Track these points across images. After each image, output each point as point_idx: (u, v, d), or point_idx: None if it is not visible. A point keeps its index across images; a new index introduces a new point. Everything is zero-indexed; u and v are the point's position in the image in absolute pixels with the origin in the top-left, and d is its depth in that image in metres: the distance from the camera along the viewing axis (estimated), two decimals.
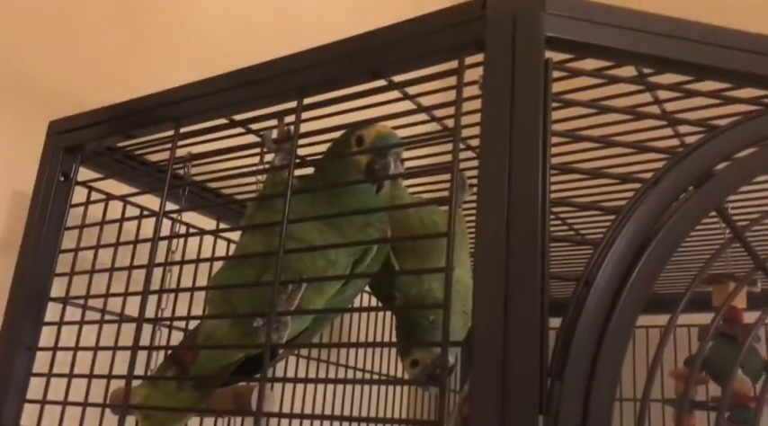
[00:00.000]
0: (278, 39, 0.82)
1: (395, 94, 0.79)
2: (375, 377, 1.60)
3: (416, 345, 1.01)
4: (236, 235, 1.29)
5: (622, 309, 0.58)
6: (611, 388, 0.57)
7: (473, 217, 0.62)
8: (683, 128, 0.76)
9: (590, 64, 0.68)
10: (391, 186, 0.93)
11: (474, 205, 1.01)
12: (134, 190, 1.06)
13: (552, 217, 0.61)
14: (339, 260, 0.79)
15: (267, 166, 0.89)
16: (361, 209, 0.75)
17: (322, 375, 1.53)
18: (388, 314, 1.67)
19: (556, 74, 0.64)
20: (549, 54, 0.63)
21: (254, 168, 0.87)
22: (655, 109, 0.79)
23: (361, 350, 1.64)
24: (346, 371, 1.57)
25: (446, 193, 1.08)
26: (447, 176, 0.94)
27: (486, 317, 0.58)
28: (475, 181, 0.67)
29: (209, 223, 1.26)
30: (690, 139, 0.77)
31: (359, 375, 1.61)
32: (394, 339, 1.26)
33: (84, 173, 1.05)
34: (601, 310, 0.58)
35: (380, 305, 1.12)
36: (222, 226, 1.27)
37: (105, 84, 1.23)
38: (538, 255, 0.58)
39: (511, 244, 0.58)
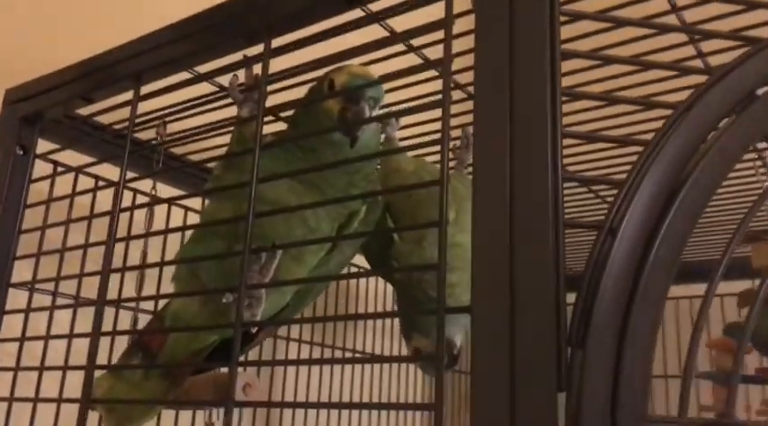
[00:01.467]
0: None
1: (375, 30, 0.69)
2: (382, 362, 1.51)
3: (416, 330, 0.90)
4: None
5: (656, 261, 0.47)
6: (646, 358, 0.46)
7: None
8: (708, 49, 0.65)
9: None
10: (384, 142, 0.83)
11: None
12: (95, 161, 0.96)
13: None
14: (321, 226, 0.69)
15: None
16: (336, 161, 0.65)
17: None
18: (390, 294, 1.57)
19: None
20: None
21: (222, 124, 0.76)
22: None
23: (368, 334, 1.54)
24: (352, 355, 1.48)
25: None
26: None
27: (487, 272, 0.47)
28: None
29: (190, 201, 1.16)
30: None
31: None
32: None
33: (45, 147, 0.95)
34: (630, 263, 0.47)
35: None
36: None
37: (63, 50, 1.13)
38: (549, 195, 0.47)
39: (515, 184, 0.48)
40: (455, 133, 0.92)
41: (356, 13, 0.67)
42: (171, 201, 1.01)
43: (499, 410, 0.45)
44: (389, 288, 1.53)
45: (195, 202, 1.15)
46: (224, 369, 0.90)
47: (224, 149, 1.01)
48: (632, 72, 0.71)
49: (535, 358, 0.45)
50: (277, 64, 0.70)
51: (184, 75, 0.80)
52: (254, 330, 0.73)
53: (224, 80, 0.86)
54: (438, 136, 0.53)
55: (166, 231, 0.95)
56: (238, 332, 0.58)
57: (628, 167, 0.50)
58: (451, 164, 0.99)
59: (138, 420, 0.71)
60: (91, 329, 0.88)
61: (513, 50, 0.50)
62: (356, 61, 0.74)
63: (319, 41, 0.67)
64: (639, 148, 0.51)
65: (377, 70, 0.74)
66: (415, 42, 0.72)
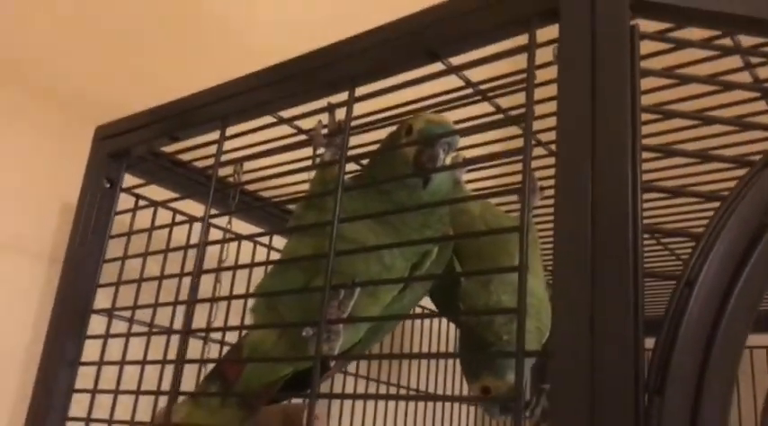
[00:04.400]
0: (326, 34, 0.75)
1: (454, 81, 0.72)
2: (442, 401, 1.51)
3: (487, 369, 0.91)
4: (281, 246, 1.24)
5: (734, 312, 0.49)
6: (723, 407, 0.47)
7: (546, 224, 0.54)
8: None
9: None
10: (453, 188, 0.85)
11: (546, 210, 0.92)
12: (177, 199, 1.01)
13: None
14: (395, 264, 0.71)
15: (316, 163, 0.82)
16: (412, 206, 0.68)
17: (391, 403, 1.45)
18: (452, 333, 1.58)
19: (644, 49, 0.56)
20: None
21: (304, 166, 0.80)
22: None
23: (422, 371, 1.55)
24: (406, 391, 1.49)
25: (513, 196, 1.01)
26: (513, 178, 0.87)
27: (568, 321, 0.49)
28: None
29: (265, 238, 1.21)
30: None
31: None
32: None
33: (130, 181, 1.01)
34: (707, 314, 0.49)
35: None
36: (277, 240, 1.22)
37: (151, 90, 1.19)
38: (629, 248, 0.49)
39: (597, 235, 0.50)
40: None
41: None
42: (253, 239, 1.05)
43: None
44: (438, 325, 1.56)
45: (265, 238, 1.19)
46: (294, 400, 0.93)
47: (294, 188, 1.06)
48: (695, 126, 0.72)
49: (614, 403, 0.46)
50: (356, 109, 0.74)
51: (266, 118, 0.85)
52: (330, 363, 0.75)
53: (302, 124, 0.91)
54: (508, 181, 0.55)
55: (252, 265, 0.99)
56: (317, 364, 0.61)
57: (692, 221, 0.52)
58: (516, 207, 1.02)
59: None
60: (161, 357, 0.93)
61: (596, 106, 0.53)
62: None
63: (400, 89, 0.71)
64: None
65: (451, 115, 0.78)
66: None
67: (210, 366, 0.95)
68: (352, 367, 1.34)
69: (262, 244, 1.20)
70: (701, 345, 0.48)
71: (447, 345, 1.60)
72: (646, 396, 0.47)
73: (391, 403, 1.45)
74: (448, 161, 0.70)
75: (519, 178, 0.56)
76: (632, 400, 0.46)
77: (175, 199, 1.00)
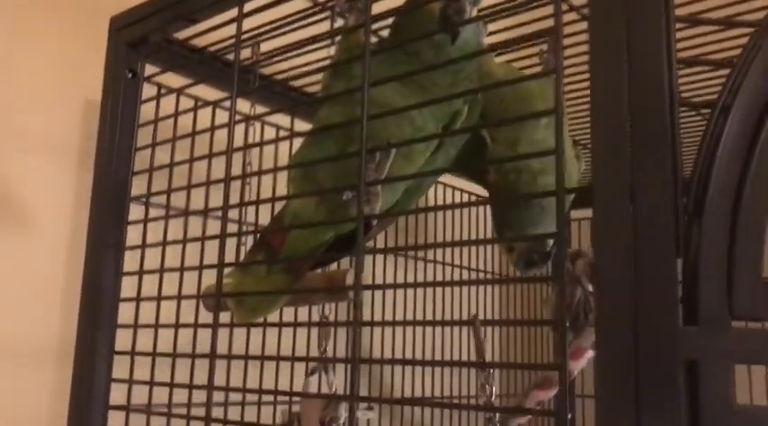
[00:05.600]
0: None
1: None
2: (468, 272, 1.56)
3: (508, 226, 0.95)
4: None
5: None
6: (760, 226, 0.49)
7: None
8: None
9: None
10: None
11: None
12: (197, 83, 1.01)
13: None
14: (426, 125, 0.73)
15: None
16: (441, 63, 0.68)
17: (410, 270, 1.50)
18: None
19: None
20: None
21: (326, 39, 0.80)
22: None
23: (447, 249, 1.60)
24: (435, 266, 1.54)
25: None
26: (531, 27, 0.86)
27: (606, 143, 0.51)
28: None
29: (281, 119, 1.21)
30: None
31: (449, 269, 1.58)
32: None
33: (150, 70, 1.01)
34: (742, 138, 0.50)
35: None
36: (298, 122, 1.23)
37: None
38: (664, 77, 0.50)
39: (633, 64, 0.51)
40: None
41: None
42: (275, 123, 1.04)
43: (622, 273, 0.49)
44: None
45: (284, 120, 1.20)
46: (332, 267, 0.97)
47: (314, 66, 1.05)
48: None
49: (654, 226, 0.48)
50: None
51: None
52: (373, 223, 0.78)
53: None
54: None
55: (279, 139, 1.00)
56: (361, 225, 0.63)
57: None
58: (540, 68, 1.01)
59: (265, 310, 0.78)
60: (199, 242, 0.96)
61: None
62: None
63: None
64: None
65: None
66: None
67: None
68: (380, 241, 1.38)
69: (284, 128, 1.21)
70: (737, 168, 0.50)
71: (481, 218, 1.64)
72: (686, 219, 0.49)
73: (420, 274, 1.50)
74: (473, 14, 0.70)
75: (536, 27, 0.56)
76: (672, 223, 0.48)
77: (195, 84, 1.01)
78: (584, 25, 0.92)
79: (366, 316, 1.39)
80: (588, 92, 0.53)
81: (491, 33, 0.97)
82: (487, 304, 1.70)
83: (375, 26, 0.83)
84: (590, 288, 1.16)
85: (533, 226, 0.90)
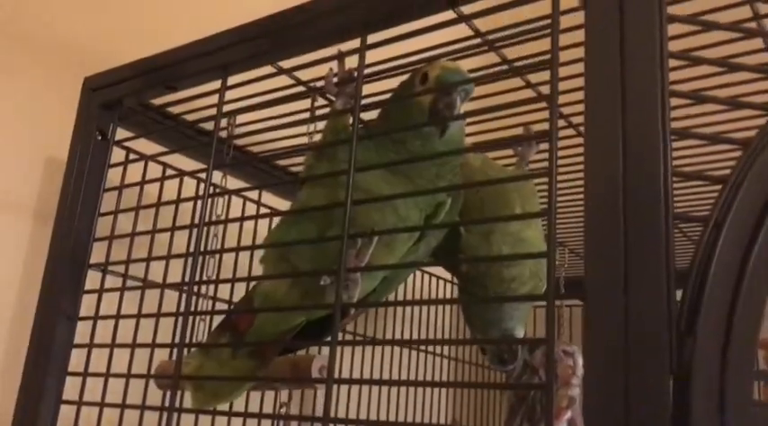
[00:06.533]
0: None
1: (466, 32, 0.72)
2: (433, 355, 1.54)
3: (471, 325, 0.94)
4: (277, 205, 1.23)
5: (761, 253, 0.50)
6: (751, 344, 0.49)
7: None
8: None
9: None
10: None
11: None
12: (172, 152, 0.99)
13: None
14: (410, 214, 0.71)
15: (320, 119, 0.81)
16: (428, 155, 0.68)
17: (378, 356, 1.47)
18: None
19: None
20: None
21: (306, 118, 0.79)
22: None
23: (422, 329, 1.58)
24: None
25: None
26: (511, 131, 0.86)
27: (601, 264, 0.50)
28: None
29: (250, 193, 1.19)
30: None
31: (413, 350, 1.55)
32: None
33: (121, 135, 0.98)
34: (735, 254, 0.50)
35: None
36: (266, 195, 1.21)
37: (141, 40, 1.16)
38: (660, 190, 0.50)
39: (628, 178, 0.50)
40: (517, 130, 0.95)
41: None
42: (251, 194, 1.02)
43: (614, 386, 0.47)
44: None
45: (252, 193, 1.18)
46: (301, 352, 0.93)
47: (290, 142, 1.04)
48: (720, 73, 0.73)
49: (648, 344, 0.47)
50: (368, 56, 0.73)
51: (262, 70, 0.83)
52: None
53: (301, 75, 0.89)
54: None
55: (257, 216, 0.97)
56: (338, 311, 0.61)
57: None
58: (513, 160, 1.02)
59: (226, 397, 0.74)
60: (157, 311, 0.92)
61: (624, 51, 0.53)
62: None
63: (413, 37, 0.70)
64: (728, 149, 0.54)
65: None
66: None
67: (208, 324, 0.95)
68: (349, 327, 1.35)
69: (251, 200, 1.19)
70: (730, 284, 0.49)
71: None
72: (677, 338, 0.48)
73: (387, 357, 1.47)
74: (462, 110, 0.70)
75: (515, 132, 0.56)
76: (666, 341, 0.47)
77: (168, 153, 0.99)
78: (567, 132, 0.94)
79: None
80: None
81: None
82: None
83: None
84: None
85: (503, 320, 0.89)
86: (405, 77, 0.76)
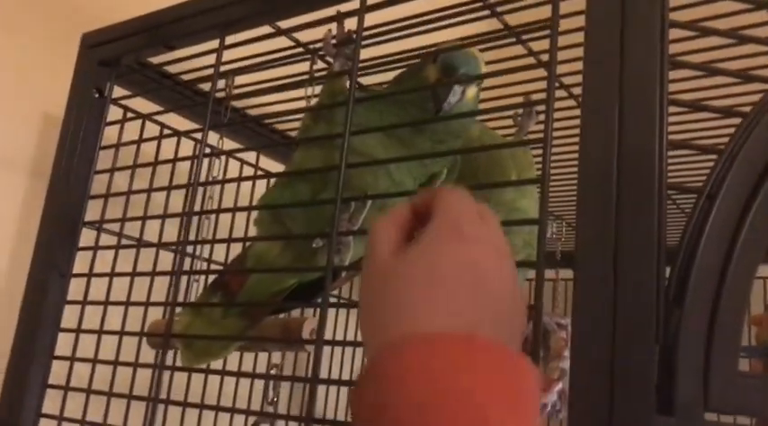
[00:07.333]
0: None
1: None
2: None
3: None
4: (275, 169, 1.23)
5: (753, 225, 0.50)
6: (738, 317, 0.49)
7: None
8: None
9: None
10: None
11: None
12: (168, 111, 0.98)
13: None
14: (404, 181, 0.71)
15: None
16: (424, 119, 0.67)
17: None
18: None
19: None
20: None
21: (304, 78, 0.78)
22: None
23: None
24: None
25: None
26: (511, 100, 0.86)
27: (592, 231, 0.50)
28: None
29: (247, 156, 1.19)
30: None
31: None
32: None
33: (118, 93, 0.98)
34: (727, 226, 0.50)
35: None
36: (263, 159, 1.20)
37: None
38: (654, 160, 0.49)
39: (623, 146, 0.50)
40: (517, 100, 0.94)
41: None
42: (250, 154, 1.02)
43: (600, 355, 0.47)
44: None
45: (250, 155, 1.18)
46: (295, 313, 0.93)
47: (288, 105, 1.04)
48: (728, 45, 0.72)
49: (634, 313, 0.47)
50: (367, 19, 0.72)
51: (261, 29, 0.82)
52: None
53: (300, 36, 0.88)
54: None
55: (254, 177, 0.97)
56: (329, 274, 0.61)
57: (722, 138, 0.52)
58: (512, 130, 1.02)
59: (215, 355, 0.74)
60: (152, 270, 0.92)
61: (624, 23, 0.52)
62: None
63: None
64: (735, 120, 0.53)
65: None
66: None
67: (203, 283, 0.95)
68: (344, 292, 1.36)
69: (249, 164, 1.19)
70: (720, 257, 0.49)
71: None
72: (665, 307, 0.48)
73: None
74: (469, 92, 0.69)
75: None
76: (653, 311, 0.47)
77: (165, 112, 0.98)
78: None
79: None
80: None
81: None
82: None
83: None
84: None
85: None
86: (403, 41, 0.75)
